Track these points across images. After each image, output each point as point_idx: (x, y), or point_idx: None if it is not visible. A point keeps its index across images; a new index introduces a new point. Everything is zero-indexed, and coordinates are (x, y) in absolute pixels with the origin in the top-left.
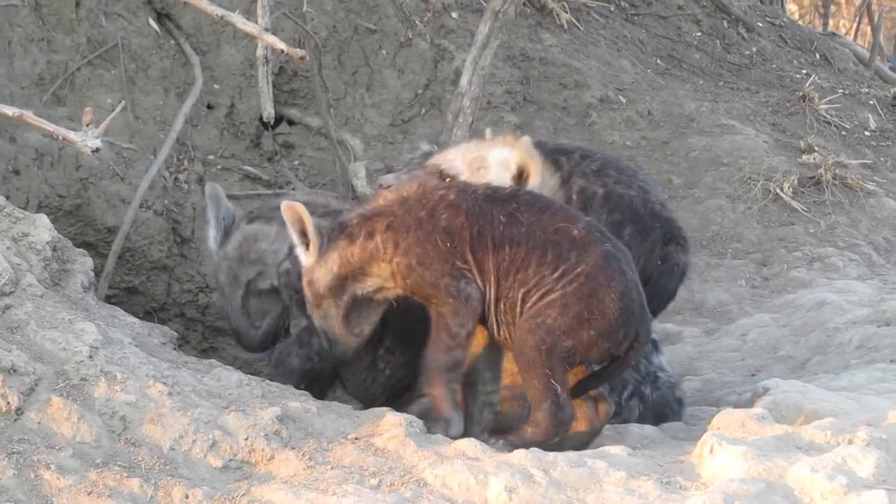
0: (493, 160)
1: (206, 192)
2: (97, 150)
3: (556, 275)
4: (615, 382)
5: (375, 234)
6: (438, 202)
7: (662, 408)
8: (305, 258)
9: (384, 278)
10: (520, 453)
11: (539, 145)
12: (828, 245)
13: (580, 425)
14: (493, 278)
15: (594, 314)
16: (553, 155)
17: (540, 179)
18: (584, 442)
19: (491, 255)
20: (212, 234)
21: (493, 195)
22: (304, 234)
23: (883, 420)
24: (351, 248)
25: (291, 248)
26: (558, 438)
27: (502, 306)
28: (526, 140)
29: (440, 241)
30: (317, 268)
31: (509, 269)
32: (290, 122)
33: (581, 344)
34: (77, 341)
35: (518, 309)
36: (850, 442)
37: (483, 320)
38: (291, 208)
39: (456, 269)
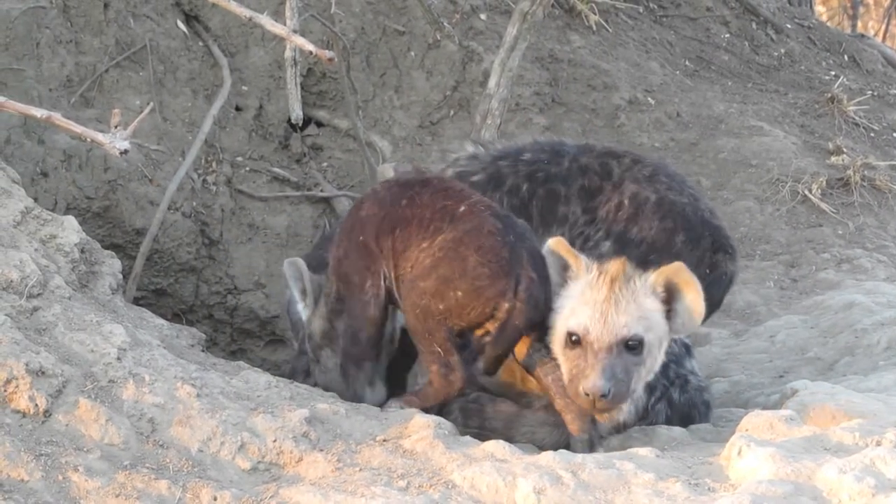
0: None
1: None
2: (125, 151)
3: (429, 244)
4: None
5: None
6: (368, 196)
7: (689, 410)
8: (304, 313)
9: None
10: (548, 455)
11: (588, 149)
12: (856, 246)
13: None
14: (391, 259)
15: (458, 275)
16: (603, 158)
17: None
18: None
19: (390, 237)
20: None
21: (406, 182)
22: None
23: None
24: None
25: None
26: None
27: (400, 284)
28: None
29: (357, 231)
30: (312, 319)
31: (401, 248)
32: (319, 124)
33: (453, 305)
34: (105, 343)
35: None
36: (879, 443)
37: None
38: (293, 265)
39: (367, 259)
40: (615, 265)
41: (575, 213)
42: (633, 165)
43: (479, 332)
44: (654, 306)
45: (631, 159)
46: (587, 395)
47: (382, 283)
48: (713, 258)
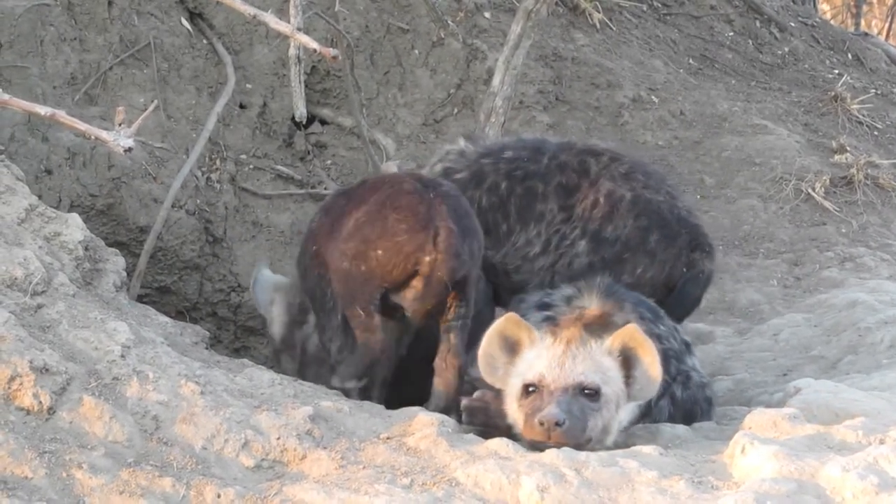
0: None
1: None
2: (129, 149)
3: (355, 213)
4: None
5: None
6: (318, 208)
7: (692, 406)
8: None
9: None
10: (552, 453)
11: (568, 146)
12: (860, 245)
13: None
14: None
15: (377, 235)
16: (581, 156)
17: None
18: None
19: (337, 237)
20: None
21: (348, 188)
22: None
23: None
24: None
25: None
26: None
27: None
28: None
29: (311, 242)
30: (273, 324)
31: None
32: (323, 122)
33: (374, 266)
34: (109, 341)
35: None
36: (882, 442)
37: None
38: (258, 270)
39: (323, 268)
40: (571, 329)
41: (552, 210)
42: (610, 163)
43: (408, 293)
44: (611, 366)
45: (609, 157)
46: (542, 424)
47: None
48: (690, 256)
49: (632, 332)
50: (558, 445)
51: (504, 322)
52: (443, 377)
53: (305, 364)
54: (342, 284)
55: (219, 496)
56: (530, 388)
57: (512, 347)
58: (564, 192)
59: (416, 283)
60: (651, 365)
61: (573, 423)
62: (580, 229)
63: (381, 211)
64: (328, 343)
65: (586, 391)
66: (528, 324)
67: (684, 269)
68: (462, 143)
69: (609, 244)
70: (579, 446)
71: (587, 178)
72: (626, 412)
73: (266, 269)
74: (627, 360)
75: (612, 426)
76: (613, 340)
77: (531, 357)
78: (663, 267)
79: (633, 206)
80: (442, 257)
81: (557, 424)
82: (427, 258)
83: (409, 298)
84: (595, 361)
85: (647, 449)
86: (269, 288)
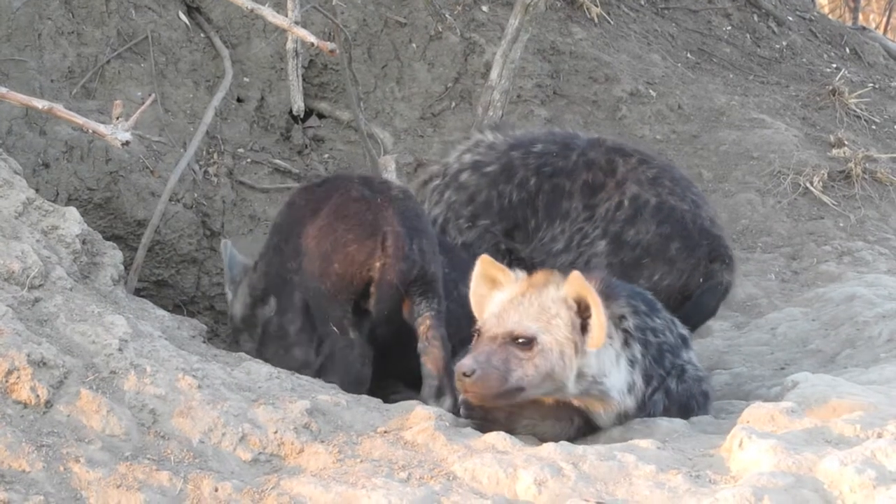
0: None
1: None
2: (127, 143)
3: (312, 229)
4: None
5: None
6: (286, 201)
7: (688, 400)
8: (229, 296)
9: None
10: (549, 446)
11: (598, 143)
12: (857, 239)
13: None
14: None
15: (331, 249)
16: (610, 154)
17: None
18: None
19: (296, 235)
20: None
21: (311, 184)
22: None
23: None
24: None
25: None
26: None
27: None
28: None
29: (275, 236)
30: (234, 303)
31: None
32: (320, 116)
33: (335, 280)
34: (106, 334)
35: None
36: (880, 435)
37: None
38: (225, 247)
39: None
40: (540, 276)
41: (577, 208)
42: (638, 166)
43: (370, 301)
44: (562, 314)
45: (638, 159)
46: (456, 372)
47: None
48: (709, 267)
49: (579, 280)
50: (476, 397)
51: (482, 263)
52: (430, 355)
53: (264, 343)
54: (314, 304)
55: (216, 490)
56: (476, 333)
57: (493, 286)
58: (590, 191)
59: (374, 290)
60: (597, 313)
61: (487, 372)
62: (601, 229)
63: (332, 224)
64: (288, 325)
65: (519, 340)
66: (501, 265)
67: (701, 280)
68: (490, 134)
69: (629, 248)
70: (503, 396)
71: (613, 178)
72: (596, 360)
73: (233, 247)
74: (586, 309)
75: (560, 374)
76: (567, 288)
77: (495, 299)
78: (681, 275)
79: (657, 213)
80: (390, 261)
81: (465, 375)
82: (377, 264)
83: (371, 305)
84: (542, 308)
85: (645, 443)
86: (240, 268)
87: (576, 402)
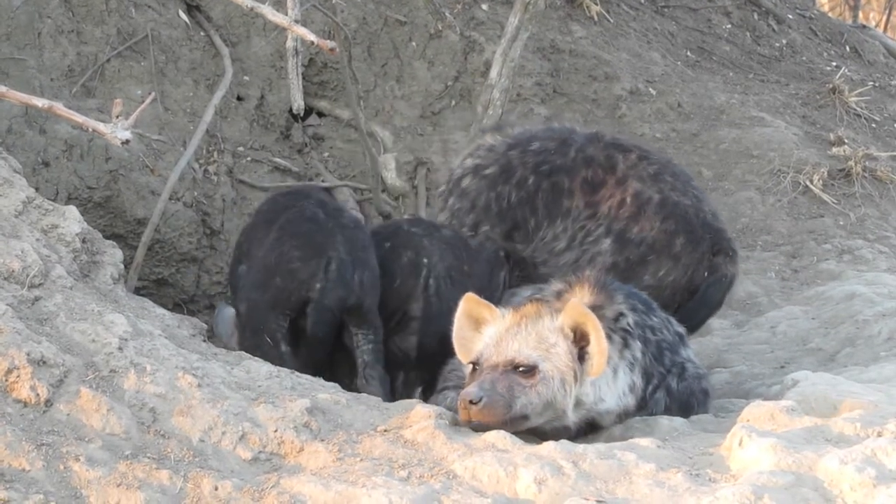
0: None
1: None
2: (127, 141)
3: (266, 243)
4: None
5: None
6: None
7: (688, 398)
8: None
9: None
10: (549, 445)
11: (596, 139)
12: (857, 237)
13: None
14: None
15: (276, 262)
16: (608, 150)
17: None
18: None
19: (257, 242)
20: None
21: (279, 194)
22: None
23: None
24: None
25: None
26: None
27: None
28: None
29: (244, 243)
30: None
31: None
32: (320, 114)
33: (275, 293)
34: (106, 333)
35: None
36: (880, 434)
37: None
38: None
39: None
40: (530, 307)
41: (578, 206)
42: (638, 162)
43: (305, 321)
44: (559, 342)
45: (637, 155)
46: (461, 401)
47: None
48: (712, 260)
49: (577, 308)
50: (481, 425)
51: (466, 303)
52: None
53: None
54: (252, 312)
55: (216, 488)
56: (474, 367)
57: (478, 326)
58: (590, 188)
59: (310, 310)
60: (598, 340)
61: (493, 399)
62: (605, 227)
63: (281, 238)
64: (244, 342)
65: (520, 368)
66: (488, 303)
67: (706, 273)
68: (489, 138)
69: (634, 245)
70: (508, 424)
71: (613, 175)
72: (592, 387)
73: (227, 307)
74: (583, 336)
75: (561, 402)
76: (564, 317)
77: (486, 335)
78: (686, 270)
79: (661, 209)
80: (331, 286)
81: (471, 402)
82: (318, 286)
83: (308, 325)
84: (539, 338)
85: (645, 441)
86: (230, 321)
87: None
